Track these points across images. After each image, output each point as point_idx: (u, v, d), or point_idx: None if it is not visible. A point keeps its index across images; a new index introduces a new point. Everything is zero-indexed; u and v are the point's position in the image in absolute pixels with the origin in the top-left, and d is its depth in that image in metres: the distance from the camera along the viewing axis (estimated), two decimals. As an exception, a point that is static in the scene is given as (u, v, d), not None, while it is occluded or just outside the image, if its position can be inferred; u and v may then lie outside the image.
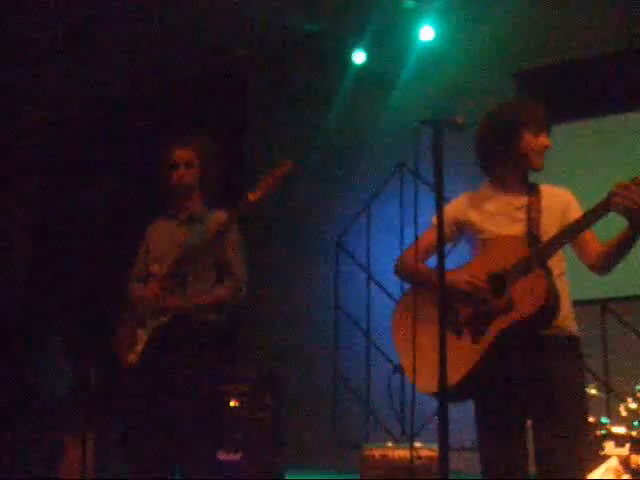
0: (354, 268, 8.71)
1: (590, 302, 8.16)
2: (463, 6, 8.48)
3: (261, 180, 3.84)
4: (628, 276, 8.09)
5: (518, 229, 3.13)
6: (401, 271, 3.33)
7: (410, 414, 2.79)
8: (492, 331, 2.84)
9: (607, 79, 8.30)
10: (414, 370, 2.91)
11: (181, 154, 4.14)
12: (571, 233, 2.94)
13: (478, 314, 2.94)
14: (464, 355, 2.87)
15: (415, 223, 3.16)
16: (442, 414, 2.33)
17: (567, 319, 3.06)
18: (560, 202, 3.19)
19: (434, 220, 3.11)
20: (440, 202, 2.57)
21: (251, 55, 9.14)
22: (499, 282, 2.93)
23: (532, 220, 3.10)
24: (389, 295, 7.41)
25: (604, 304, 8.13)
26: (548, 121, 3.27)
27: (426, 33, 8.58)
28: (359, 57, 9.03)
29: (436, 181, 2.60)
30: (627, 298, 8.10)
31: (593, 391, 6.13)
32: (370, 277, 8.31)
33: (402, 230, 7.36)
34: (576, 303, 8.07)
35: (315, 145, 8.90)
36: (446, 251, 2.82)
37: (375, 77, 8.97)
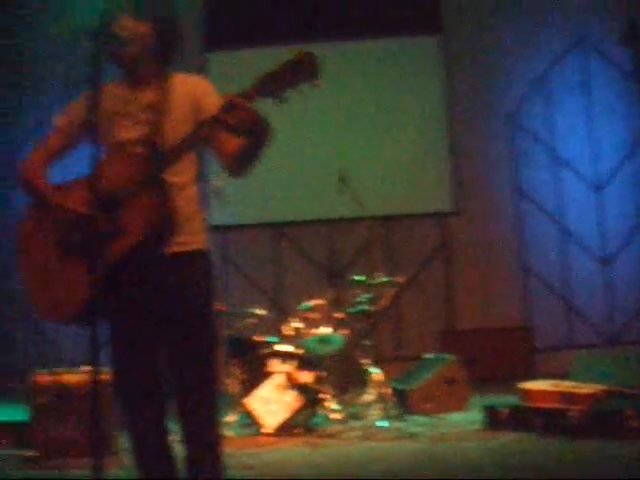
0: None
1: (262, 225, 8.51)
2: None
3: None
4: (298, 202, 8.60)
5: (140, 133, 2.77)
6: (22, 181, 2.86)
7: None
8: (106, 258, 2.54)
9: (291, 7, 8.56)
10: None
11: None
12: (191, 143, 2.66)
13: (88, 239, 2.60)
14: (79, 280, 2.58)
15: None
16: (92, 337, 2.24)
17: (192, 234, 2.81)
18: (191, 96, 2.83)
19: (55, 121, 2.91)
20: (95, 120, 2.38)
21: None
22: (111, 201, 2.61)
23: (155, 123, 2.77)
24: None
25: (276, 228, 8.48)
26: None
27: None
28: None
29: (92, 96, 2.40)
30: (296, 222, 8.52)
31: (261, 312, 6.38)
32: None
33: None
34: (250, 226, 8.40)
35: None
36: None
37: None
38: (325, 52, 8.09)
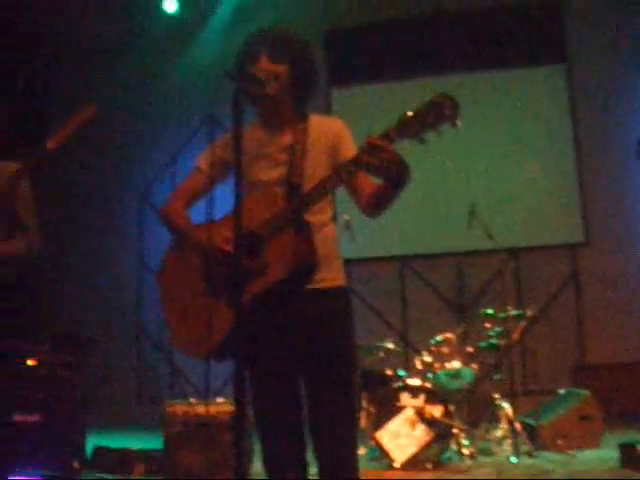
0: (159, 221, 8.58)
1: (389, 259, 8.53)
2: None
3: (61, 127, 3.62)
4: (426, 234, 8.60)
5: (278, 174, 2.85)
6: (164, 220, 3.03)
7: (204, 374, 2.69)
8: (246, 295, 2.52)
9: (413, 41, 8.61)
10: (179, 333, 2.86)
11: None
12: (331, 186, 2.66)
13: (231, 277, 2.66)
14: (222, 318, 2.64)
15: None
16: (237, 373, 2.30)
17: (330, 271, 2.84)
18: (328, 138, 2.89)
19: (197, 162, 3.01)
20: (239, 159, 2.44)
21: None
22: (253, 240, 2.67)
23: (294, 164, 2.83)
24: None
25: (403, 261, 8.49)
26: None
27: (239, -14, 8.51)
28: (170, 5, 8.79)
29: (234, 134, 2.47)
30: (424, 256, 8.49)
31: (390, 345, 6.38)
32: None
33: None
34: (377, 259, 8.40)
35: (121, 95, 8.62)
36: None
37: (185, 28, 8.78)
38: (451, 84, 8.17)
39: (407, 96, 8.32)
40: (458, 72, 8.47)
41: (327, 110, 8.08)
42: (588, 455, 5.74)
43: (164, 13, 8.82)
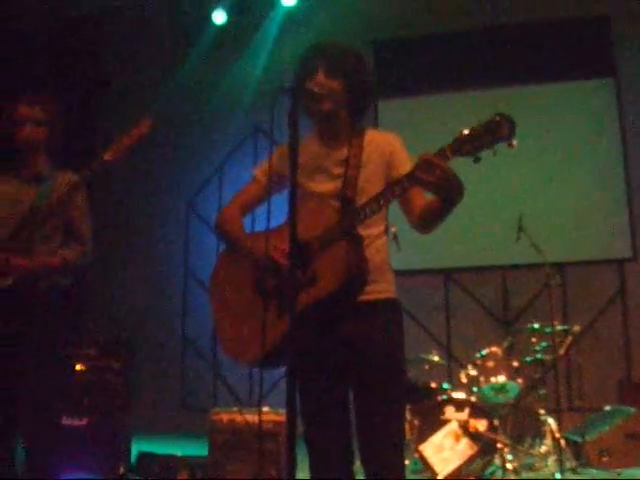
0: (205, 230, 8.66)
1: (434, 271, 8.52)
2: (325, -28, 8.52)
3: (118, 139, 3.70)
4: (471, 247, 8.56)
5: (333, 187, 2.89)
6: (218, 229, 3.09)
7: (259, 379, 2.71)
8: (297, 305, 2.48)
9: (462, 55, 8.60)
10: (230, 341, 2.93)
11: (30, 112, 3.95)
12: (384, 200, 2.69)
13: (283, 287, 2.73)
14: (271, 327, 2.65)
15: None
16: (289, 384, 2.32)
17: (381, 282, 2.89)
18: (383, 153, 2.93)
19: (255, 172, 3.08)
20: (294, 175, 2.47)
21: (106, 9, 8.80)
22: (305, 252, 2.71)
23: (349, 178, 2.86)
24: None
25: (448, 273, 8.46)
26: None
27: (288, -2, 8.57)
28: (219, 17, 8.88)
29: (290, 148, 2.51)
30: (469, 268, 8.46)
31: (435, 358, 6.36)
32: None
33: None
34: (421, 272, 8.38)
35: (170, 105, 8.73)
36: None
37: (235, 39, 8.86)
38: (498, 97, 8.13)
39: (454, 109, 8.32)
40: (506, 85, 8.45)
41: (374, 122, 8.10)
42: (634, 473, 5.66)
43: (213, 25, 8.92)
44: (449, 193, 2.62)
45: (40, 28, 8.67)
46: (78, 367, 5.90)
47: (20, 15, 8.50)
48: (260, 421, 5.19)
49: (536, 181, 8.42)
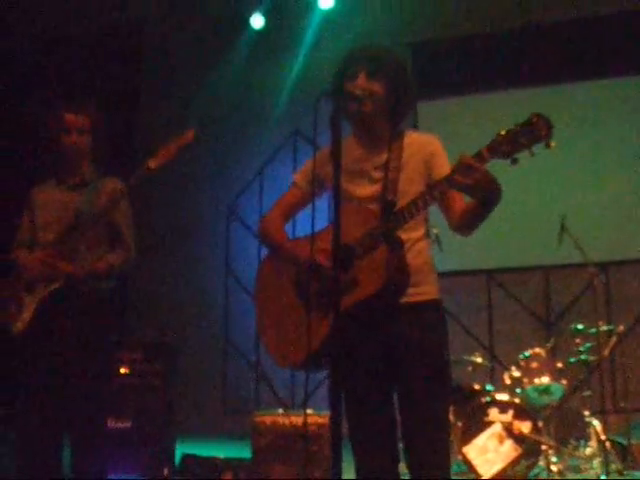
0: (246, 234, 8.71)
1: (476, 272, 8.47)
2: (362, -25, 8.52)
3: (162, 148, 3.75)
4: (512, 248, 8.50)
5: (374, 191, 2.91)
6: (261, 235, 3.16)
7: (304, 384, 2.72)
8: (339, 308, 2.47)
9: (500, 55, 8.55)
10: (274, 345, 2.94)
11: (74, 119, 4.01)
12: (423, 204, 2.70)
13: (325, 289, 2.75)
14: (314, 329, 2.66)
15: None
16: (333, 385, 2.33)
17: (423, 284, 2.90)
18: (423, 155, 2.94)
19: (295, 178, 3.10)
20: (337, 179, 2.48)
21: (145, 15, 8.90)
22: (347, 255, 2.73)
23: (389, 181, 2.88)
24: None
25: (490, 274, 8.41)
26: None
27: (325, 1, 8.57)
28: (258, 21, 8.93)
29: (333, 154, 2.52)
30: (511, 269, 8.40)
31: (478, 359, 6.33)
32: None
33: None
34: (463, 273, 8.34)
35: (209, 110, 8.79)
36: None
37: (274, 43, 8.90)
38: (538, 96, 8.05)
39: (493, 110, 8.27)
40: (548, 84, 8.37)
41: (413, 123, 8.08)
42: (681, 476, 5.60)
43: (251, 29, 8.97)
44: (487, 195, 2.62)
45: (81, 34, 8.79)
46: (122, 370, 5.98)
47: (61, 23, 8.64)
48: (306, 423, 5.20)
49: (579, 180, 8.34)
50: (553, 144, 2.47)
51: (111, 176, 4.08)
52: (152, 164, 3.74)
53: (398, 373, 2.85)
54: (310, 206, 3.03)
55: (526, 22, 8.51)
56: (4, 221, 4.44)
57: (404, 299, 2.82)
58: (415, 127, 7.86)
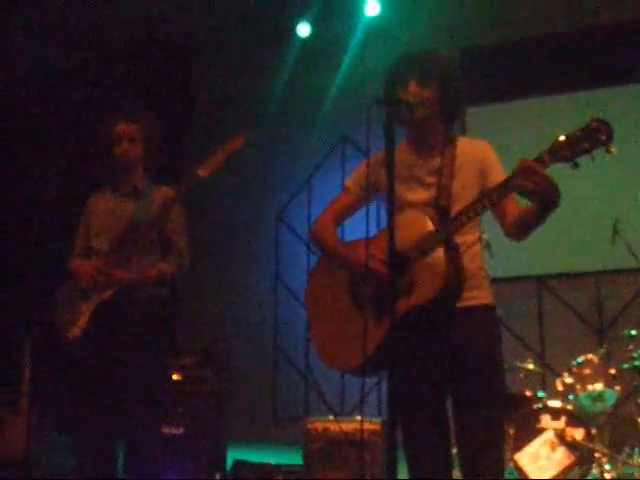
0: (295, 241, 8.74)
1: (527, 278, 8.38)
2: (409, -19, 8.51)
3: (212, 155, 3.80)
4: (563, 253, 8.39)
5: (427, 196, 2.93)
6: (314, 239, 3.16)
7: (360, 390, 2.73)
8: (395, 313, 2.48)
9: (549, 60, 8.46)
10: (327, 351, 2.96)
11: (126, 129, 4.09)
12: (481, 208, 2.71)
13: (380, 294, 2.76)
14: (368, 334, 2.66)
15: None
16: (390, 389, 2.35)
17: (478, 289, 2.92)
18: (476, 161, 2.96)
19: (347, 183, 3.13)
20: (392, 186, 2.49)
21: (193, 25, 9.01)
22: (402, 259, 2.72)
23: (443, 186, 2.89)
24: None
25: (540, 280, 8.32)
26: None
27: (372, 8, 8.58)
28: (304, 30, 8.97)
29: (387, 162, 2.53)
30: (562, 275, 8.30)
31: (530, 366, 6.27)
32: (311, 250, 8.22)
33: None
34: (513, 279, 8.26)
35: (258, 118, 8.85)
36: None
37: (320, 51, 8.92)
38: (588, 99, 7.91)
39: (541, 114, 8.19)
40: (599, 87, 8.25)
41: (461, 129, 8.04)
42: None
43: (298, 38, 9.02)
44: (547, 200, 2.62)
45: (132, 44, 8.93)
46: (174, 377, 6.05)
47: (112, 32, 8.78)
48: (362, 429, 5.21)
49: (632, 184, 8.19)
50: (614, 149, 2.45)
51: (163, 184, 4.14)
52: (202, 172, 3.79)
53: (453, 377, 2.84)
54: (357, 211, 3.06)
55: (574, 25, 8.42)
56: (66, 229, 4.52)
57: (460, 304, 2.83)
58: (464, 132, 7.81)
